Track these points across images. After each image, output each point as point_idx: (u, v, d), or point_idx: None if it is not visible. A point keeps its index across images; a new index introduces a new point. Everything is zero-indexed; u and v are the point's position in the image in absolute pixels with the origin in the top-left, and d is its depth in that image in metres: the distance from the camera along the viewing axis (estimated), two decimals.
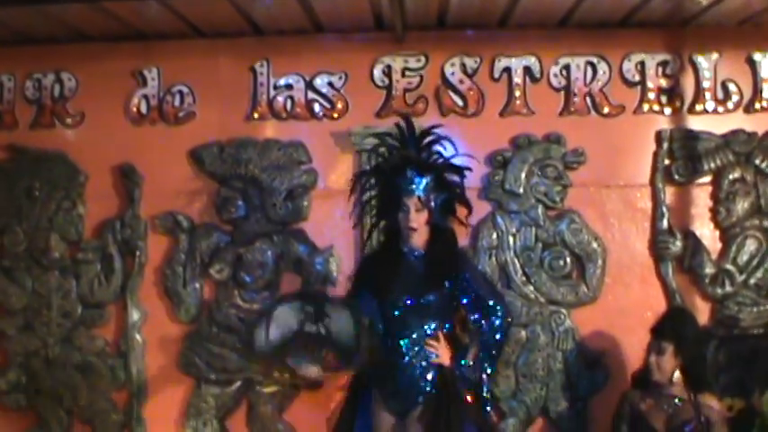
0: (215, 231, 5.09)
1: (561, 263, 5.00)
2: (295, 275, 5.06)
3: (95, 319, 5.14)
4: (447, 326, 4.17)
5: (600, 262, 4.99)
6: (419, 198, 4.09)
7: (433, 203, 4.12)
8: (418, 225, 4.10)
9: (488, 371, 4.17)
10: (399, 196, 4.11)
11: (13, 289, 5.13)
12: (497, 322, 4.14)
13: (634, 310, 4.95)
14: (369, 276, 4.25)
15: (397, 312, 4.13)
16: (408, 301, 4.12)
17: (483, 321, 4.13)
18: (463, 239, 4.57)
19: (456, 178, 4.22)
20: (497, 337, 4.15)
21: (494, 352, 4.16)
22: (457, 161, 4.28)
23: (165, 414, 5.07)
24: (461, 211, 4.25)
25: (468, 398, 4.11)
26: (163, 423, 5.06)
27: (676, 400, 4.44)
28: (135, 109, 5.15)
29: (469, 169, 4.29)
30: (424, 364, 4.11)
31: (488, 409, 4.23)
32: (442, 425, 4.00)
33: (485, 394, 4.19)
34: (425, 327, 4.13)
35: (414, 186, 4.10)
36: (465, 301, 4.15)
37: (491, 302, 4.16)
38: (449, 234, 4.24)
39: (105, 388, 5.11)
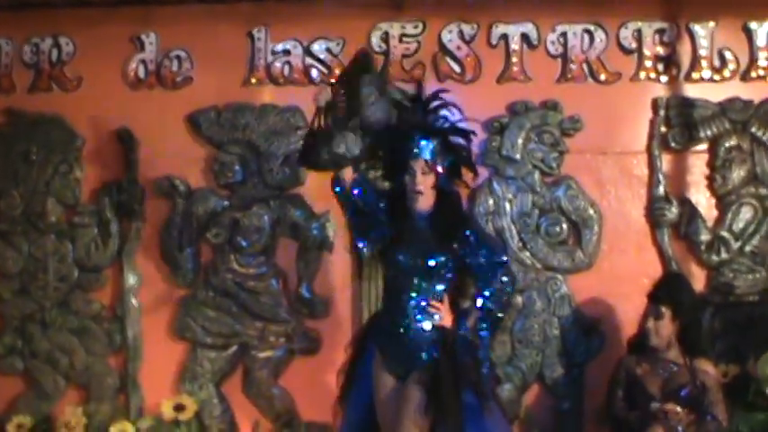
0: (212, 196, 5.09)
1: (557, 229, 5.01)
2: (291, 240, 5.07)
3: (92, 282, 5.15)
4: (451, 288, 4.18)
5: (596, 228, 4.99)
6: (426, 161, 4.10)
7: (439, 167, 4.13)
8: (424, 188, 4.11)
9: (486, 334, 4.17)
10: (406, 159, 4.12)
11: (10, 253, 5.15)
12: (500, 284, 4.14)
13: (630, 276, 4.95)
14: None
15: (401, 272, 4.14)
16: (413, 262, 4.12)
17: (486, 283, 4.13)
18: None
19: (462, 142, 4.24)
20: (500, 299, 4.14)
21: (497, 314, 4.15)
22: (462, 125, 4.29)
23: (161, 378, 5.07)
24: (466, 175, 4.27)
25: (466, 360, 4.11)
26: (158, 387, 5.05)
27: (672, 365, 4.46)
28: (132, 74, 5.16)
29: (474, 133, 4.30)
30: (426, 326, 4.11)
31: (486, 372, 4.22)
32: (441, 389, 4.00)
33: (483, 358, 4.18)
34: (430, 288, 4.12)
35: (420, 150, 4.10)
36: (469, 261, 4.15)
37: (496, 263, 4.16)
38: (454, 197, 4.25)
39: (101, 352, 5.12)
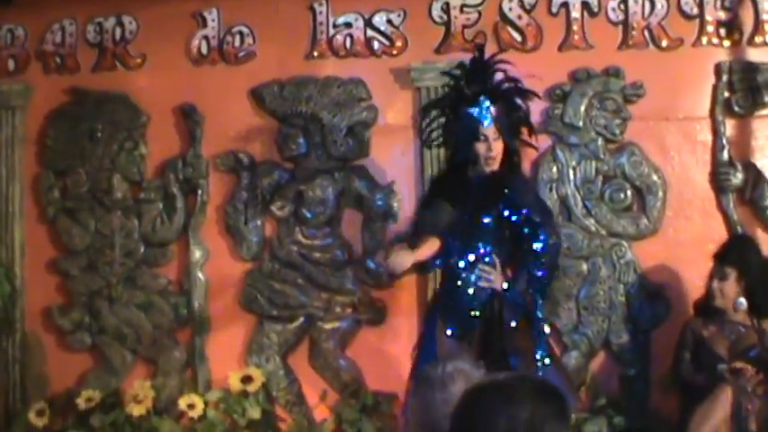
0: (276, 169, 5.13)
1: (622, 195, 4.99)
2: (356, 212, 5.10)
3: (158, 257, 5.20)
4: (502, 250, 4.20)
5: (660, 194, 4.97)
6: (496, 126, 4.14)
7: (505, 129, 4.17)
8: (497, 153, 4.16)
9: (537, 297, 4.18)
10: (476, 126, 4.15)
11: (77, 229, 5.21)
12: (541, 245, 4.15)
13: (695, 242, 4.92)
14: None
15: (454, 234, 4.18)
16: (465, 223, 4.16)
17: (530, 245, 4.14)
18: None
19: (521, 103, 4.28)
20: (543, 260, 4.16)
21: (541, 275, 4.16)
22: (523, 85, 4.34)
23: (228, 351, 5.11)
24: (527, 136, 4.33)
25: (513, 325, 4.10)
26: (225, 360, 5.09)
27: (740, 327, 4.45)
28: (195, 50, 5.21)
29: (537, 95, 4.33)
30: (474, 289, 4.14)
31: (542, 336, 4.21)
32: (488, 353, 4.01)
33: (534, 323, 4.19)
34: (480, 249, 4.16)
35: (490, 115, 4.14)
36: (514, 220, 4.17)
37: (538, 223, 4.18)
38: (517, 157, 4.29)
39: (168, 326, 5.17)
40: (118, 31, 5.26)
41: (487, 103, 4.17)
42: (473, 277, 4.16)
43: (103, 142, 5.20)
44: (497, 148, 4.15)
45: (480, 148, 4.13)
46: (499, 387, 1.92)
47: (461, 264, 4.19)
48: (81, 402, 4.99)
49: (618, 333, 4.97)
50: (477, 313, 4.15)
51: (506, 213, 4.16)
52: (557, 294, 4.90)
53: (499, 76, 4.39)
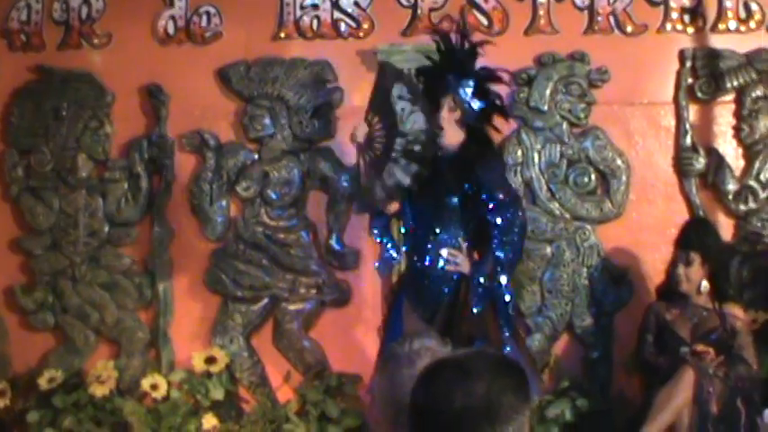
0: (241, 149, 5.12)
1: (586, 179, 5.03)
2: (321, 193, 5.10)
3: (122, 237, 5.17)
4: (469, 233, 4.20)
5: (624, 178, 5.01)
6: (453, 97, 4.14)
7: (470, 107, 4.17)
8: (449, 121, 4.15)
9: (502, 279, 4.18)
10: (437, 98, 4.16)
11: (41, 208, 5.17)
12: (503, 223, 4.14)
13: (658, 226, 4.98)
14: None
15: (421, 215, 4.18)
16: (431, 203, 4.16)
17: (495, 226, 4.14)
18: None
19: (495, 89, 4.29)
20: (506, 239, 4.15)
21: (505, 256, 4.15)
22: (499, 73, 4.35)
23: (192, 332, 5.11)
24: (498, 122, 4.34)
25: (479, 308, 4.12)
26: (189, 340, 5.09)
27: (702, 310, 4.49)
28: (162, 30, 5.19)
29: (507, 80, 4.34)
30: (441, 271, 4.14)
31: (503, 320, 4.21)
32: (454, 337, 4.01)
33: (500, 306, 4.19)
34: (448, 232, 4.16)
35: (450, 85, 4.15)
36: (481, 204, 4.16)
37: (503, 204, 4.16)
38: (484, 138, 4.29)
39: (132, 306, 5.14)
40: (84, 10, 5.22)
41: (452, 76, 4.18)
42: (440, 260, 4.16)
43: (68, 121, 5.17)
44: (449, 118, 4.15)
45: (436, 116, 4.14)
46: (456, 363, 1.91)
47: (427, 246, 4.19)
48: (43, 382, 4.95)
49: (581, 316, 5.00)
50: (442, 298, 4.15)
51: (473, 195, 4.15)
52: (521, 277, 4.93)
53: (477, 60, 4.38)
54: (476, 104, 4.19)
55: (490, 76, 4.29)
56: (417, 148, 4.08)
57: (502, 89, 4.60)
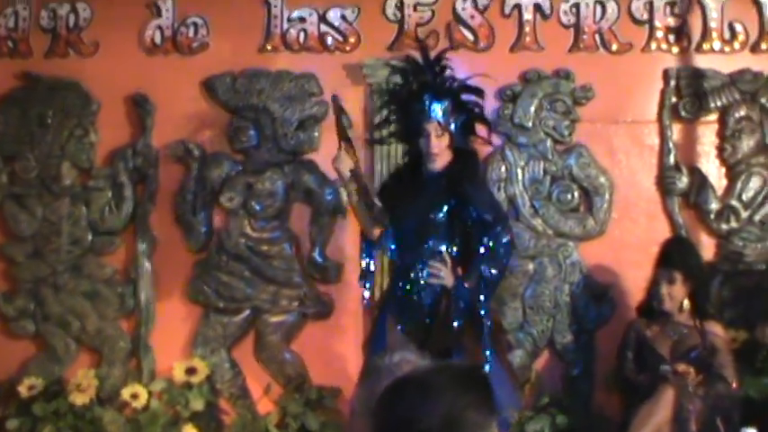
0: (226, 160, 5.13)
1: (569, 196, 5.05)
2: (305, 205, 5.11)
3: (105, 246, 5.17)
4: (454, 247, 4.21)
5: (607, 196, 5.03)
6: (438, 123, 4.15)
7: (452, 126, 4.17)
8: (439, 150, 4.16)
9: (486, 296, 4.19)
10: (419, 122, 4.17)
11: (24, 216, 5.17)
12: (494, 244, 4.16)
13: (640, 244, 4.99)
14: (388, 197, 4.31)
15: (405, 230, 4.19)
16: (419, 217, 4.17)
17: (482, 243, 4.15)
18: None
19: (473, 98, 4.29)
20: (495, 259, 4.16)
21: (492, 274, 4.16)
22: (472, 83, 4.35)
23: (173, 342, 5.09)
24: (482, 131, 4.34)
25: (460, 323, 4.12)
26: (170, 351, 5.07)
27: (682, 328, 4.50)
28: (149, 39, 5.20)
29: (482, 92, 4.35)
30: (424, 284, 4.15)
31: (484, 334, 4.22)
32: (434, 351, 4.00)
33: (483, 321, 4.19)
34: (432, 246, 4.17)
35: (432, 111, 4.15)
36: (470, 222, 4.18)
37: (490, 222, 4.17)
38: (470, 155, 4.30)
39: (113, 315, 5.14)
40: (72, 18, 5.23)
41: (430, 99, 4.17)
42: (423, 273, 4.17)
43: (53, 128, 5.17)
44: (440, 144, 4.14)
45: (423, 143, 4.15)
46: (418, 380, 1.87)
47: (412, 260, 4.19)
48: (23, 390, 4.94)
49: (562, 332, 5.01)
50: (425, 312, 4.15)
51: (459, 210, 4.16)
52: (503, 293, 4.93)
53: (448, 73, 4.40)
54: (457, 121, 4.20)
55: (465, 88, 4.31)
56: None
57: (486, 105, 4.64)
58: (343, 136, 4.14)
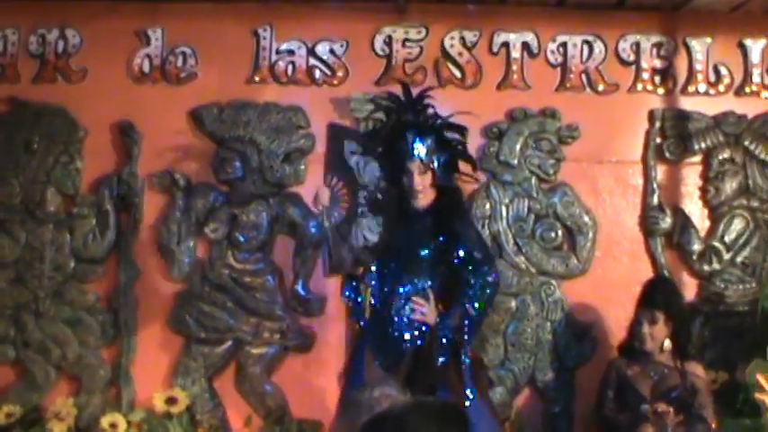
0: (211, 191, 5.11)
1: (553, 235, 5.07)
2: (289, 238, 5.11)
3: (88, 273, 5.14)
4: (437, 284, 4.21)
5: (591, 235, 5.07)
6: (421, 161, 4.15)
7: (435, 164, 4.18)
8: (423, 187, 4.16)
9: (469, 334, 4.19)
10: (402, 160, 4.18)
11: (7, 241, 5.12)
12: (480, 283, 4.17)
13: (623, 283, 5.02)
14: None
15: (390, 265, 4.20)
16: (404, 253, 4.18)
17: (468, 281, 4.16)
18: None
19: (456, 136, 4.30)
20: (480, 298, 4.17)
21: (476, 313, 4.17)
22: (455, 120, 4.35)
23: (154, 371, 5.06)
24: (466, 169, 4.34)
25: (442, 360, 4.12)
26: (151, 380, 5.04)
27: (663, 368, 4.51)
28: (137, 68, 5.19)
29: (465, 129, 4.35)
30: (407, 320, 4.15)
31: (465, 371, 4.21)
32: (417, 388, 4.01)
33: (463, 358, 4.19)
34: (416, 282, 4.17)
35: (415, 149, 4.16)
36: (455, 258, 4.19)
37: (479, 260, 4.19)
38: (454, 193, 4.31)
39: (94, 343, 5.09)
40: (60, 44, 5.21)
41: (413, 137, 4.18)
42: (406, 309, 4.17)
43: (39, 154, 5.14)
44: (423, 182, 4.15)
45: (406, 181, 4.16)
46: (395, 418, 1.89)
47: (395, 295, 4.19)
48: (1, 417, 4.89)
49: (544, 370, 5.03)
50: (406, 348, 4.15)
51: (446, 247, 4.17)
52: (485, 330, 4.94)
53: (431, 111, 4.40)
54: (440, 159, 4.21)
55: (448, 126, 4.31)
56: (380, 196, 4.12)
57: (472, 142, 4.66)
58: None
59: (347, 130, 4.25)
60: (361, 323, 4.30)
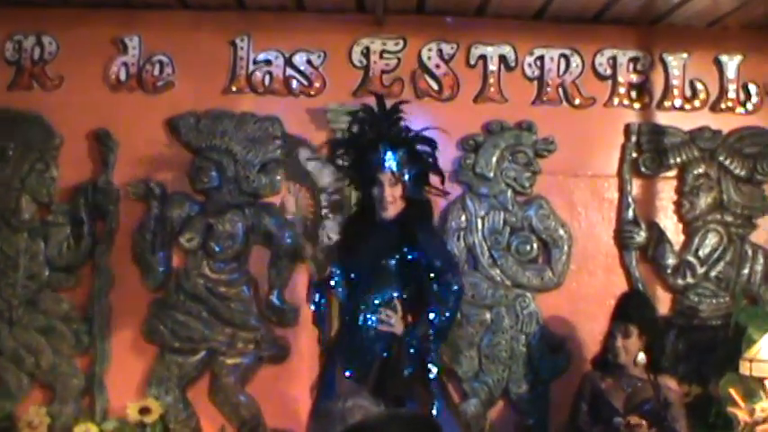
0: (187, 200, 5.10)
1: (528, 248, 5.09)
2: (264, 248, 5.10)
3: (62, 282, 5.12)
4: (404, 294, 4.22)
5: (566, 248, 5.09)
6: (392, 173, 4.17)
7: (406, 176, 4.19)
8: (393, 199, 4.17)
9: (436, 343, 4.19)
10: (373, 171, 4.19)
11: None
12: (442, 291, 4.17)
13: (597, 296, 5.05)
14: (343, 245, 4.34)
15: (357, 276, 4.20)
16: (370, 263, 4.18)
17: (432, 291, 4.16)
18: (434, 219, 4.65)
19: (428, 149, 4.31)
20: (443, 306, 4.17)
21: (441, 321, 4.16)
22: (427, 134, 4.35)
23: (128, 381, 5.04)
24: (436, 182, 4.34)
25: (410, 370, 4.12)
26: (124, 389, 5.02)
27: (636, 381, 4.53)
28: (114, 76, 5.17)
29: (435, 143, 4.35)
30: (373, 331, 4.15)
31: (432, 382, 4.22)
32: (385, 398, 4.00)
33: (430, 368, 4.19)
34: (383, 293, 4.18)
35: (386, 161, 4.17)
36: (419, 267, 4.19)
37: (440, 269, 4.17)
38: (424, 205, 4.31)
39: (68, 352, 5.08)
40: (37, 51, 5.20)
41: (385, 149, 4.19)
42: (374, 320, 4.17)
43: (14, 162, 5.12)
44: (393, 193, 4.16)
45: (376, 192, 4.17)
46: (367, 429, 1.90)
47: (362, 306, 4.19)
48: None
49: (518, 382, 5.04)
50: (374, 358, 4.15)
51: (410, 257, 4.18)
52: (459, 342, 4.97)
53: (404, 124, 4.40)
54: (411, 171, 4.21)
55: (419, 139, 4.32)
56: (337, 197, 4.35)
57: (448, 154, 4.66)
58: None
59: (299, 140, 4.34)
60: (324, 331, 4.29)
